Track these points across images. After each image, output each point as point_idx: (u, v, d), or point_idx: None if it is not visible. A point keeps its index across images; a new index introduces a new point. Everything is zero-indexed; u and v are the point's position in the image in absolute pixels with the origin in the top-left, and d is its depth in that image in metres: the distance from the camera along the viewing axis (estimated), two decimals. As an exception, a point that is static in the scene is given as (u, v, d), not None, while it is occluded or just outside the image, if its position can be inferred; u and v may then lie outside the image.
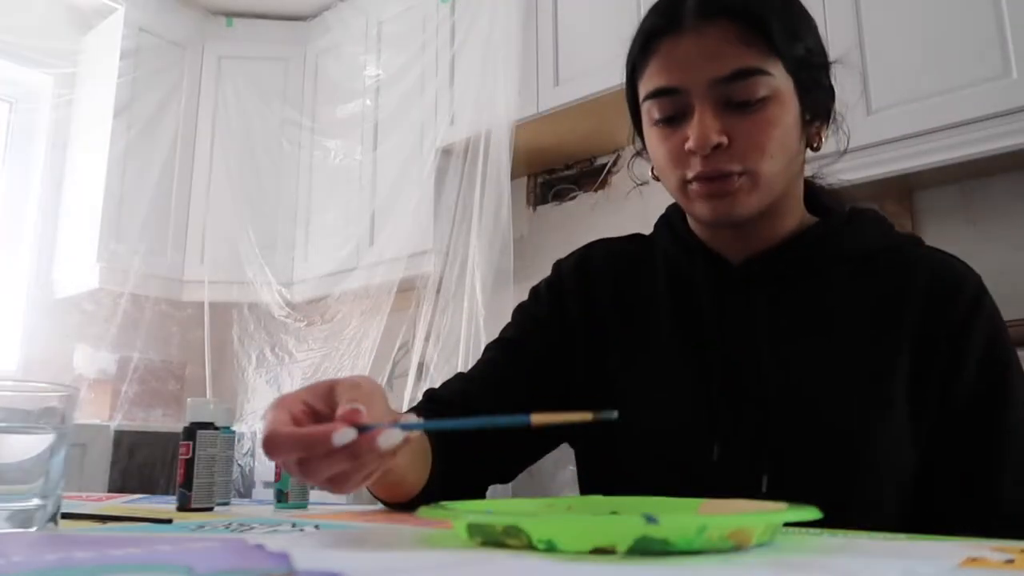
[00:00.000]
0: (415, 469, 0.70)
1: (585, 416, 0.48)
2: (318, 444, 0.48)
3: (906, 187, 1.89)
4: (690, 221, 0.83)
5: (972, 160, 1.63)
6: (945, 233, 1.87)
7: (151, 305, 3.03)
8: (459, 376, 0.86)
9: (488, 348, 0.88)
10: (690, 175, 0.72)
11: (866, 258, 0.76)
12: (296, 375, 2.99)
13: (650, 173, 0.83)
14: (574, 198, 2.64)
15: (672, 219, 0.85)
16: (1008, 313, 1.60)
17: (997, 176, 1.80)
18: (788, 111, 0.72)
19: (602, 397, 0.80)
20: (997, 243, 1.79)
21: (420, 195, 2.68)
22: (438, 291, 2.55)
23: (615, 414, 0.48)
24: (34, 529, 0.53)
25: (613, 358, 0.81)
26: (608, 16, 2.20)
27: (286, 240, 3.15)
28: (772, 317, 0.75)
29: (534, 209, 2.76)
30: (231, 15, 3.36)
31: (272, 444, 0.49)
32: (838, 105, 0.80)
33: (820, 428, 0.70)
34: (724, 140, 0.70)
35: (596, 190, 2.57)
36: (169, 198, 3.13)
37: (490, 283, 2.37)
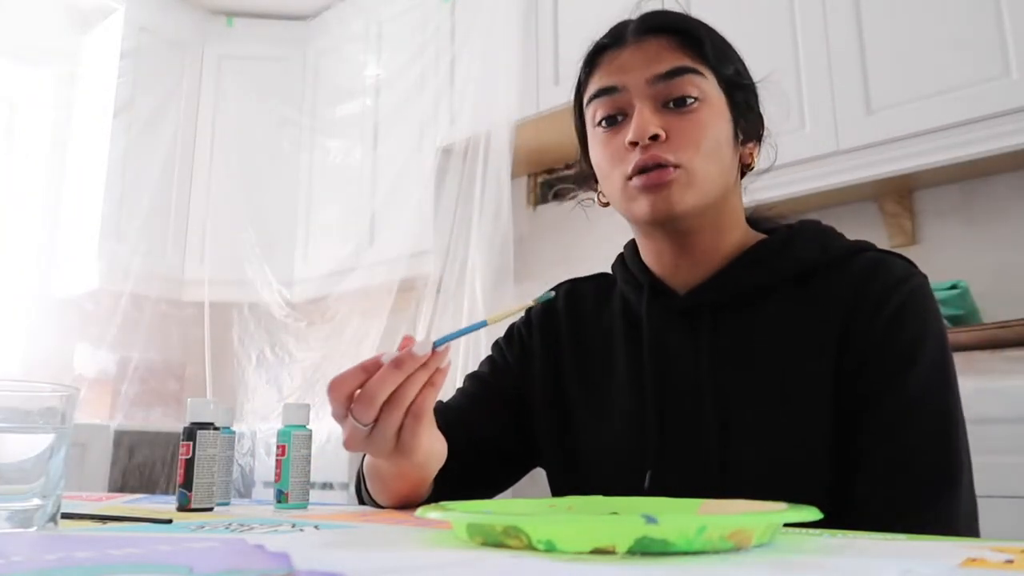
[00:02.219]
0: (431, 468, 0.73)
1: (529, 303, 0.67)
2: (372, 364, 0.61)
3: (906, 187, 1.89)
4: (642, 252, 0.85)
5: (972, 160, 1.63)
6: (945, 233, 1.87)
7: (151, 305, 3.03)
8: (439, 404, 0.92)
9: (468, 378, 0.95)
10: (629, 170, 0.75)
11: (805, 275, 0.76)
12: (296, 375, 2.99)
13: (597, 199, 0.87)
14: (574, 198, 2.64)
15: (626, 256, 0.88)
16: (1008, 313, 1.61)
17: (997, 176, 1.80)
18: (721, 119, 0.76)
19: (563, 435, 0.85)
20: (997, 243, 1.79)
21: (420, 195, 2.68)
22: (438, 291, 2.55)
23: (552, 294, 0.69)
24: (34, 529, 0.53)
25: (574, 400, 0.86)
26: (608, 16, 2.20)
27: (286, 240, 3.15)
28: (713, 347, 0.76)
29: (534, 209, 2.76)
30: (231, 15, 3.36)
31: (337, 382, 0.61)
32: (768, 122, 0.84)
33: (753, 459, 0.71)
34: (662, 133, 0.73)
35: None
36: (169, 198, 3.13)
37: (490, 283, 2.37)
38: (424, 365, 0.62)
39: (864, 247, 0.78)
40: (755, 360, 0.74)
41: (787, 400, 0.72)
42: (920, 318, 0.71)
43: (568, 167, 2.68)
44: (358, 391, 0.62)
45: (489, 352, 0.97)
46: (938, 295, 1.58)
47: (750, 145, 0.81)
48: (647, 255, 0.84)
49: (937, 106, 1.64)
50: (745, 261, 0.78)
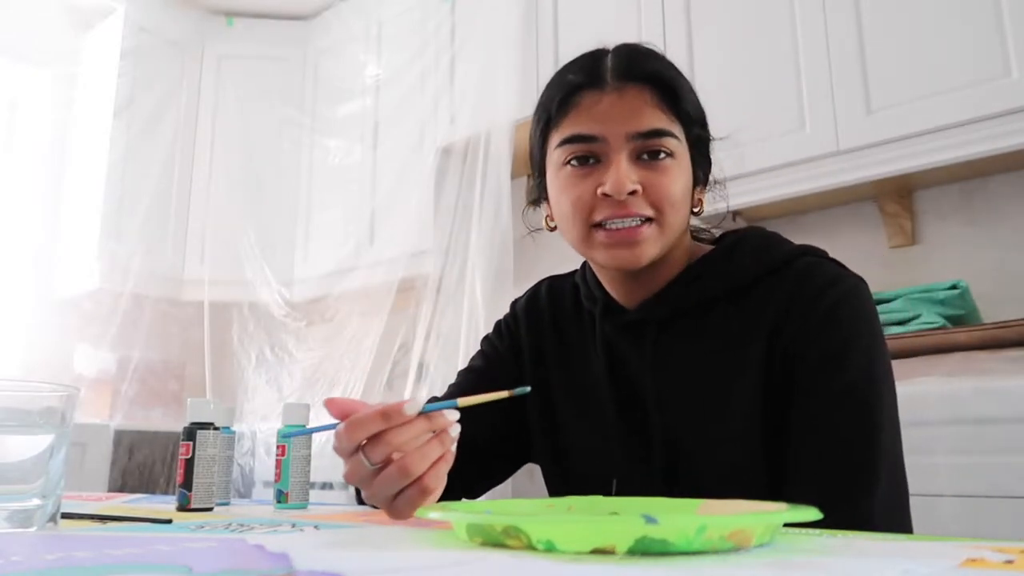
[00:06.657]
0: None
1: (503, 394, 0.63)
2: (393, 412, 0.59)
3: (906, 187, 1.89)
4: (594, 268, 0.87)
5: (972, 160, 1.63)
6: (945, 233, 1.87)
7: (151, 305, 3.03)
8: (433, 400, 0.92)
9: (461, 373, 0.97)
10: (598, 219, 0.76)
11: (746, 287, 0.79)
12: (296, 375, 2.99)
13: (545, 223, 0.89)
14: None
15: (585, 269, 0.92)
16: (1008, 313, 1.61)
17: (997, 176, 1.80)
18: (685, 171, 0.79)
19: (549, 425, 0.89)
20: (997, 243, 1.79)
21: (420, 195, 2.67)
22: (438, 291, 2.55)
23: (528, 389, 0.64)
24: (34, 529, 0.53)
25: (556, 395, 0.89)
26: (608, 16, 2.20)
27: (286, 240, 3.15)
28: (657, 360, 0.80)
29: (534, 209, 2.75)
30: (231, 14, 3.35)
31: (356, 423, 0.60)
32: (717, 174, 0.87)
33: (698, 469, 0.75)
34: (639, 187, 0.75)
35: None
36: (169, 198, 3.13)
37: (490, 283, 2.37)
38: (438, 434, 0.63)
39: (804, 251, 0.80)
40: (696, 372, 0.78)
41: (727, 409, 0.75)
42: (852, 319, 0.73)
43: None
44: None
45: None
46: (938, 295, 1.59)
47: (698, 189, 0.83)
48: (600, 276, 0.87)
49: (937, 106, 1.64)
50: (687, 277, 0.81)
